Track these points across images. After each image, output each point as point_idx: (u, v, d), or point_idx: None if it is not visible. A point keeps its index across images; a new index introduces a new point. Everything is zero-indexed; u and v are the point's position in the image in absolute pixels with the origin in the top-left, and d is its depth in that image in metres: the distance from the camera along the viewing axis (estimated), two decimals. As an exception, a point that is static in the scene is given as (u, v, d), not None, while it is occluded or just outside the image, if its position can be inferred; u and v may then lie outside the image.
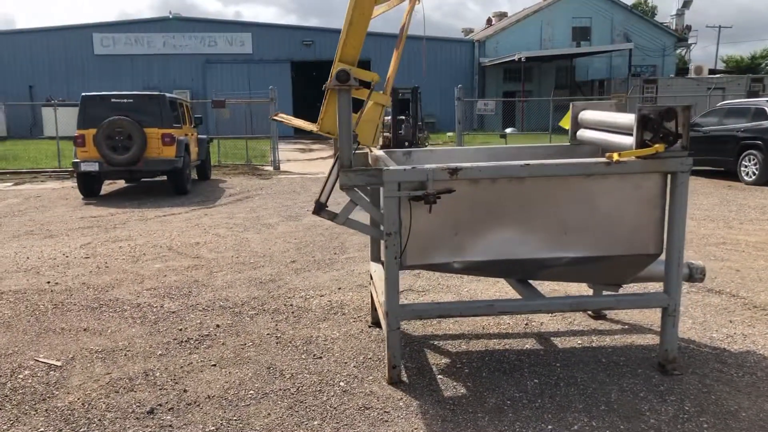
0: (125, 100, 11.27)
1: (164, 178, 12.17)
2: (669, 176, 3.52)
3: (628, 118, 3.67)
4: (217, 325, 4.54)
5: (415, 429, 3.08)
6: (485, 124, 37.10)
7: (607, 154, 3.48)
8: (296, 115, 5.38)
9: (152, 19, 40.15)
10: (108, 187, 13.15)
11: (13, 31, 39.82)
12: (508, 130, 30.25)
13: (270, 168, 17.46)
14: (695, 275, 4.10)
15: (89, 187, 11.53)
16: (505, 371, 3.73)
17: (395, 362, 3.57)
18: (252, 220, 8.95)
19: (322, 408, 3.30)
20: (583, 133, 4.42)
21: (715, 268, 5.96)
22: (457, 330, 4.41)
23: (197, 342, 4.23)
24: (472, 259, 3.60)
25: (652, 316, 4.51)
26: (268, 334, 4.37)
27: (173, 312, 4.85)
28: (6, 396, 3.46)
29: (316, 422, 3.16)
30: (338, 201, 3.64)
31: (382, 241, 3.53)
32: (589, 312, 4.65)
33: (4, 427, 3.14)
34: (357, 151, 4.25)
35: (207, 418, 3.20)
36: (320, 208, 3.45)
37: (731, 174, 13.04)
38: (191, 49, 39.42)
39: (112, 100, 11.25)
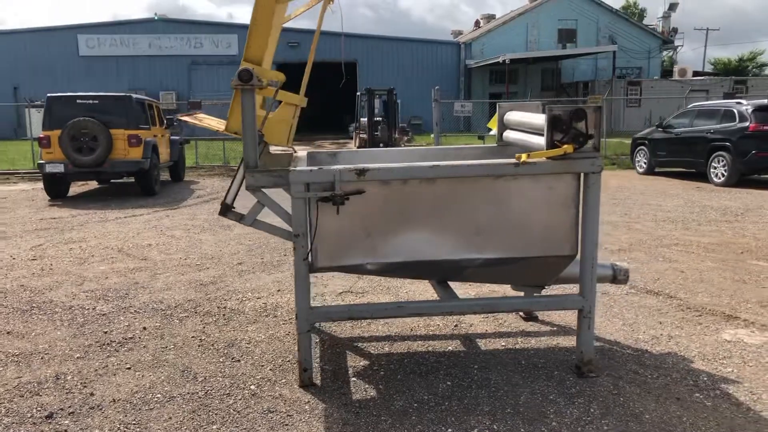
0: (91, 101, 11.20)
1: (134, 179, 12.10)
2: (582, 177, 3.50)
3: (542, 119, 3.65)
4: (144, 328, 4.49)
5: (314, 433, 3.05)
6: (471, 126, 37.09)
7: (516, 155, 3.46)
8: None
9: (137, 21, 40.02)
10: (79, 188, 13.07)
11: (-3, 32, 39.52)
12: (493, 132, 30.30)
13: (247, 169, 17.37)
14: (619, 276, 4.09)
15: (55, 188, 11.45)
16: (420, 373, 3.70)
17: (306, 365, 3.53)
18: (212, 222, 8.89)
19: (225, 412, 3.26)
20: (508, 135, 4.40)
21: (660, 269, 5.96)
22: (385, 331, 4.38)
23: (119, 345, 4.18)
24: (385, 261, 3.57)
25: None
26: (192, 336, 4.32)
27: (104, 314, 4.80)
28: None
29: (215, 426, 3.12)
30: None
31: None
32: (521, 313, 4.63)
33: None
34: (281, 152, 4.23)
35: (105, 423, 3.15)
36: (226, 210, 3.41)
37: (702, 175, 13.07)
38: (177, 50, 39.34)
39: (78, 101, 11.17)
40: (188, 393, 3.47)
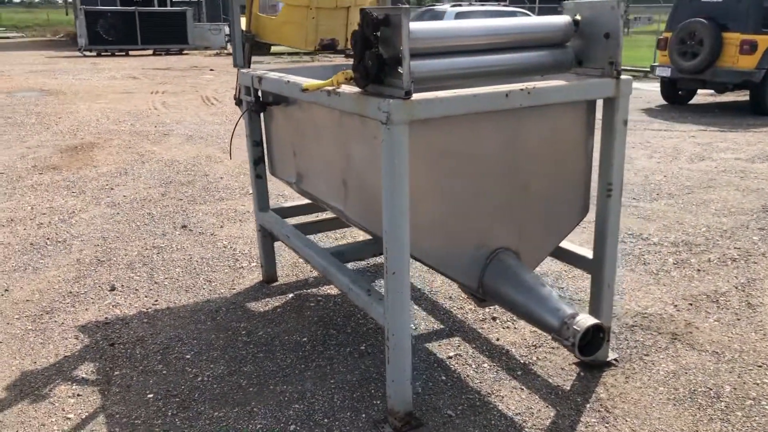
0: (715, 1, 10.07)
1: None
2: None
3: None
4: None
5: (183, 318, 3.42)
6: None
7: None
8: None
9: None
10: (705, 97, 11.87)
11: None
12: None
13: None
14: (564, 333, 2.20)
15: (666, 92, 11.23)
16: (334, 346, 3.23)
17: (262, 262, 3.71)
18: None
19: (189, 277, 3.89)
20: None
21: None
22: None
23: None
24: (303, 188, 3.25)
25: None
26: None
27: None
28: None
29: (160, 277, 3.89)
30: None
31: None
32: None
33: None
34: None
35: (126, 296, 4.37)
36: (239, 102, 3.75)
37: None
38: None
39: (702, 0, 10.25)
40: (206, 256, 4.19)
